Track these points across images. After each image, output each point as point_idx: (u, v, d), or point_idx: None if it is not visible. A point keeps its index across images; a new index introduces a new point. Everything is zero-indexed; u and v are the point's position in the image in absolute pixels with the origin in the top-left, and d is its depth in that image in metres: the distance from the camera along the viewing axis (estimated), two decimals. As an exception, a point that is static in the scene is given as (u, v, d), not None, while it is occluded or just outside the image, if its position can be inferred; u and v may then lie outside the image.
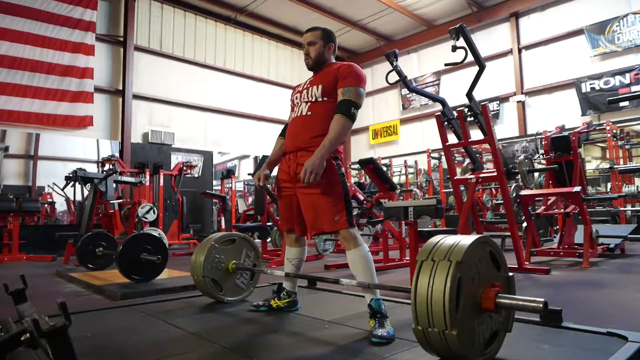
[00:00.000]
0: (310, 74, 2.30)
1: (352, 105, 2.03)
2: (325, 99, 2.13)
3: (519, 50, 11.10)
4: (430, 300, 1.30)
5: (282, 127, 2.45)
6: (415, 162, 12.23)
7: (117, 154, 9.20)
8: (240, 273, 2.77)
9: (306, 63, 2.27)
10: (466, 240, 1.38)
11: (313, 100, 2.17)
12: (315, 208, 2.07)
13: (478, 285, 1.38)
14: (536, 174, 6.79)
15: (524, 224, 5.17)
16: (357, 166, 10.77)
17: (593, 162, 11.68)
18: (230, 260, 2.70)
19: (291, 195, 2.23)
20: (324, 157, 1.97)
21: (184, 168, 8.57)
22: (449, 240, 1.41)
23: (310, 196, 2.08)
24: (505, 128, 11.14)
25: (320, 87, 2.15)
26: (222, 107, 11.54)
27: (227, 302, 2.68)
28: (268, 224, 6.04)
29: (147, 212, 6.79)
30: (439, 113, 4.39)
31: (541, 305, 1.30)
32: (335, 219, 2.02)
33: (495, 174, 4.27)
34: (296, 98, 2.27)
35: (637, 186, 7.26)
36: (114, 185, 6.71)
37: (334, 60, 2.29)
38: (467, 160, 7.01)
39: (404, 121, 13.40)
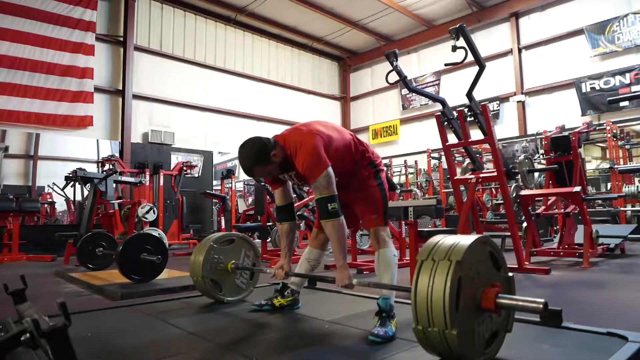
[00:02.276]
0: None
1: (326, 203, 2.00)
2: None
3: (519, 50, 11.10)
4: (430, 299, 1.30)
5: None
6: (415, 162, 12.23)
7: (117, 154, 9.20)
8: (240, 273, 2.77)
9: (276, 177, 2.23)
10: (466, 240, 1.38)
11: None
12: (358, 207, 2.26)
13: (478, 285, 1.38)
14: (536, 174, 6.79)
15: (524, 224, 5.17)
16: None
17: (593, 162, 11.70)
18: (230, 260, 2.70)
19: None
20: (344, 266, 2.03)
21: (184, 168, 8.56)
22: (449, 240, 1.41)
23: (353, 199, 2.25)
24: (505, 128, 11.14)
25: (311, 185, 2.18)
26: (222, 107, 11.54)
27: (227, 302, 2.67)
28: (268, 224, 6.04)
29: (147, 212, 6.79)
30: (439, 113, 4.39)
31: (541, 305, 1.30)
32: (373, 217, 2.17)
33: (495, 174, 4.27)
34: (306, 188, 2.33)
35: (637, 186, 7.26)
36: (114, 185, 6.71)
37: (279, 149, 2.09)
38: (467, 160, 7.01)
39: (404, 121, 13.40)
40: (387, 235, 2.17)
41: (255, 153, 2.05)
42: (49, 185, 9.43)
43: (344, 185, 2.19)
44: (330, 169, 2.02)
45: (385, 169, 2.37)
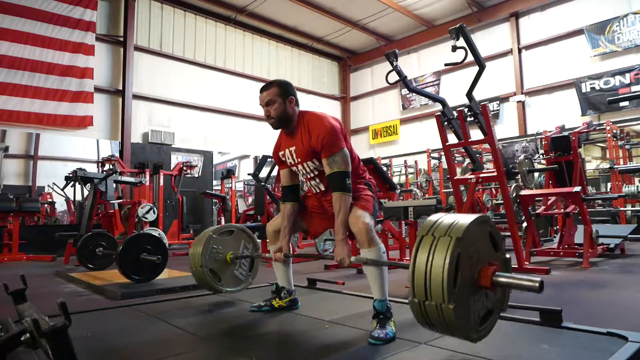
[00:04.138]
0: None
1: (343, 177, 2.03)
2: (322, 167, 2.14)
3: (519, 50, 11.10)
4: (429, 273, 1.30)
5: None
6: (415, 162, 12.23)
7: (117, 154, 9.20)
8: (239, 264, 2.75)
9: (270, 124, 2.20)
10: (466, 218, 1.39)
11: (316, 173, 2.19)
12: None
13: (476, 263, 1.39)
14: (536, 174, 6.79)
15: (524, 224, 5.17)
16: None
17: (593, 162, 11.70)
18: (229, 251, 2.69)
19: (318, 212, 2.34)
20: (344, 241, 2.04)
21: (184, 168, 8.56)
22: (449, 218, 1.42)
23: None
24: (505, 128, 11.14)
25: (308, 162, 2.17)
26: (222, 107, 11.54)
27: (226, 292, 2.66)
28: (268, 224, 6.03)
29: (147, 212, 6.78)
30: (439, 113, 4.39)
31: (537, 284, 1.30)
32: (361, 202, 2.10)
33: (495, 174, 4.27)
34: (295, 170, 2.27)
35: (637, 186, 7.26)
36: (114, 185, 6.70)
37: (298, 110, 2.20)
38: (467, 160, 7.01)
39: (404, 121, 13.41)
40: (374, 232, 2.03)
41: (284, 82, 2.21)
42: (49, 185, 9.43)
43: None
44: (347, 150, 2.07)
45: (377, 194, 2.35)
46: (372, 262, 1.94)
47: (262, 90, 2.19)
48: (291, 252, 2.36)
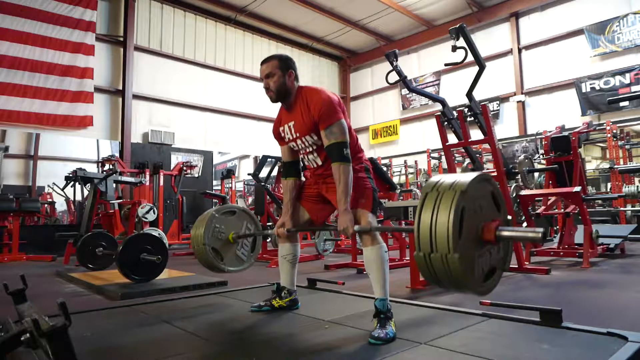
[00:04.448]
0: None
1: (342, 147, 2.05)
2: (320, 142, 2.16)
3: (519, 50, 11.10)
4: (434, 225, 1.31)
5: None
6: (415, 162, 12.23)
7: (117, 154, 9.20)
8: (241, 244, 2.75)
9: (269, 96, 2.22)
10: (469, 175, 1.41)
11: (314, 148, 2.21)
12: None
13: (480, 219, 1.40)
14: (536, 174, 6.79)
15: (524, 224, 5.17)
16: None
17: (593, 162, 11.69)
18: (231, 230, 2.68)
19: (318, 200, 2.34)
20: (347, 210, 2.03)
21: (184, 168, 8.56)
22: (452, 177, 1.44)
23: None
24: (505, 128, 11.14)
25: (307, 136, 2.19)
26: (222, 107, 11.54)
27: (228, 271, 2.66)
28: (268, 224, 6.04)
29: (147, 212, 6.78)
30: (439, 113, 4.39)
31: (540, 235, 1.31)
32: (361, 200, 2.10)
33: (495, 174, 4.27)
34: (293, 146, 2.30)
35: (637, 186, 7.26)
36: (114, 185, 6.71)
37: (297, 85, 2.25)
38: (467, 160, 7.02)
39: (404, 121, 13.41)
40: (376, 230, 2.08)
41: (285, 56, 2.25)
42: (49, 185, 9.43)
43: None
44: (345, 121, 2.09)
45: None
46: (375, 229, 1.96)
47: (262, 63, 2.22)
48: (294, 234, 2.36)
